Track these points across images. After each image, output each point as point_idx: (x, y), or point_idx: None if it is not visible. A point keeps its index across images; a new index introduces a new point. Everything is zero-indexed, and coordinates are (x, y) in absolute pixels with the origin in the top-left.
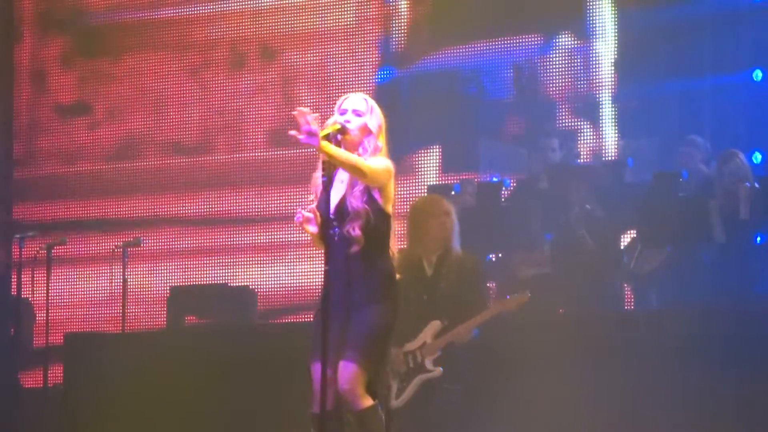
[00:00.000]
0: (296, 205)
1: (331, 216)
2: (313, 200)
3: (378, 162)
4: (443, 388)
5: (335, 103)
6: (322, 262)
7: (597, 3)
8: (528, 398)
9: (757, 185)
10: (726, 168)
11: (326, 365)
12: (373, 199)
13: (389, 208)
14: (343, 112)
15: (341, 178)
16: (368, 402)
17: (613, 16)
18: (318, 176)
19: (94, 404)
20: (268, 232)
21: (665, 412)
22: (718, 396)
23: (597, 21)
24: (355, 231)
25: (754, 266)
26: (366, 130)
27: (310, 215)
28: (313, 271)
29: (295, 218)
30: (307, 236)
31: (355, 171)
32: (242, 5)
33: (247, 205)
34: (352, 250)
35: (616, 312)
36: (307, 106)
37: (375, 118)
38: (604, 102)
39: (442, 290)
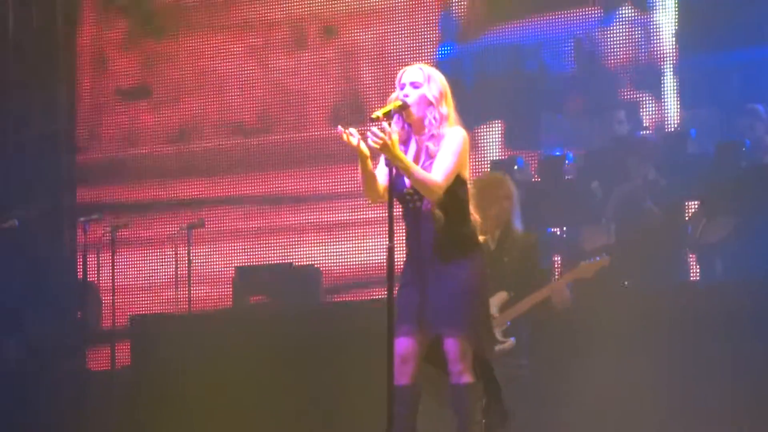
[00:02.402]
0: (358, 183)
1: (407, 190)
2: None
3: (447, 164)
4: (506, 362)
5: (396, 81)
6: (404, 236)
7: None
8: (593, 372)
9: None
10: None
11: (407, 338)
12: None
13: (465, 174)
14: (401, 87)
15: (408, 152)
16: (471, 378)
17: None
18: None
19: (162, 384)
20: (331, 210)
21: (730, 384)
22: None
23: None
24: (429, 206)
25: None
26: (426, 101)
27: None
28: (377, 248)
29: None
30: (370, 214)
31: (426, 190)
32: None
33: (309, 184)
34: (431, 224)
35: (682, 283)
36: (369, 83)
37: (434, 86)
38: (666, 73)
39: (505, 264)
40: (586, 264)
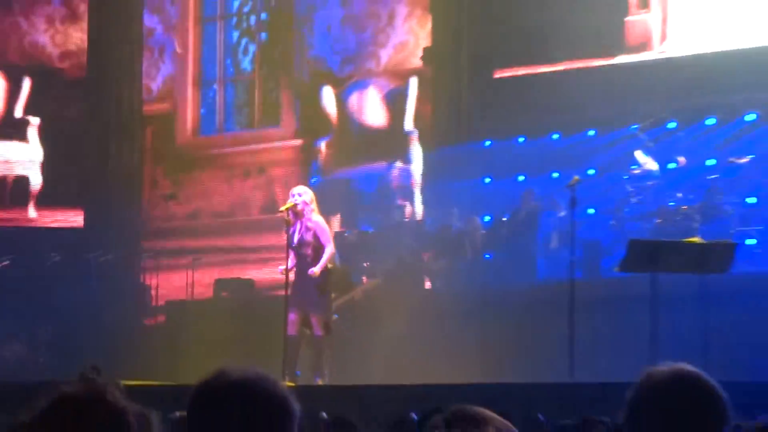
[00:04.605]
0: (273, 257)
1: (295, 245)
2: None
3: (327, 236)
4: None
5: (289, 193)
6: (288, 266)
7: (413, 147)
8: (385, 334)
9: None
10: (471, 224)
11: (294, 312)
12: (316, 236)
13: (327, 238)
14: (292, 196)
15: (296, 229)
16: (323, 333)
17: (420, 153)
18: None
19: (181, 331)
20: (262, 254)
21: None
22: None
23: (414, 155)
24: (308, 251)
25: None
26: (304, 202)
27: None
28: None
29: (279, 270)
30: (281, 256)
31: (331, 256)
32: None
33: (253, 242)
34: (306, 259)
35: (423, 292)
36: (280, 195)
37: (308, 195)
38: (416, 196)
39: (336, 280)
40: (361, 288)
